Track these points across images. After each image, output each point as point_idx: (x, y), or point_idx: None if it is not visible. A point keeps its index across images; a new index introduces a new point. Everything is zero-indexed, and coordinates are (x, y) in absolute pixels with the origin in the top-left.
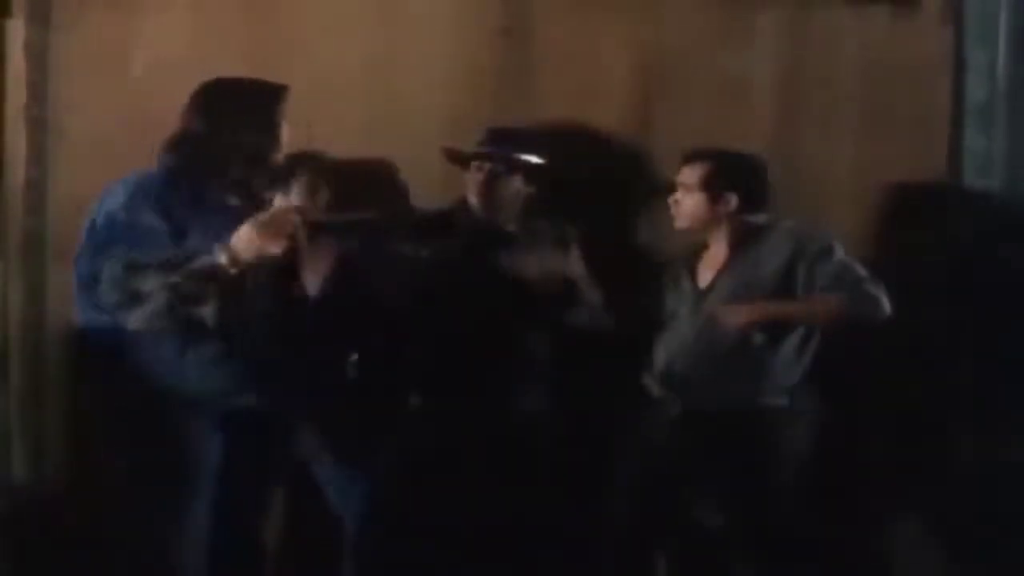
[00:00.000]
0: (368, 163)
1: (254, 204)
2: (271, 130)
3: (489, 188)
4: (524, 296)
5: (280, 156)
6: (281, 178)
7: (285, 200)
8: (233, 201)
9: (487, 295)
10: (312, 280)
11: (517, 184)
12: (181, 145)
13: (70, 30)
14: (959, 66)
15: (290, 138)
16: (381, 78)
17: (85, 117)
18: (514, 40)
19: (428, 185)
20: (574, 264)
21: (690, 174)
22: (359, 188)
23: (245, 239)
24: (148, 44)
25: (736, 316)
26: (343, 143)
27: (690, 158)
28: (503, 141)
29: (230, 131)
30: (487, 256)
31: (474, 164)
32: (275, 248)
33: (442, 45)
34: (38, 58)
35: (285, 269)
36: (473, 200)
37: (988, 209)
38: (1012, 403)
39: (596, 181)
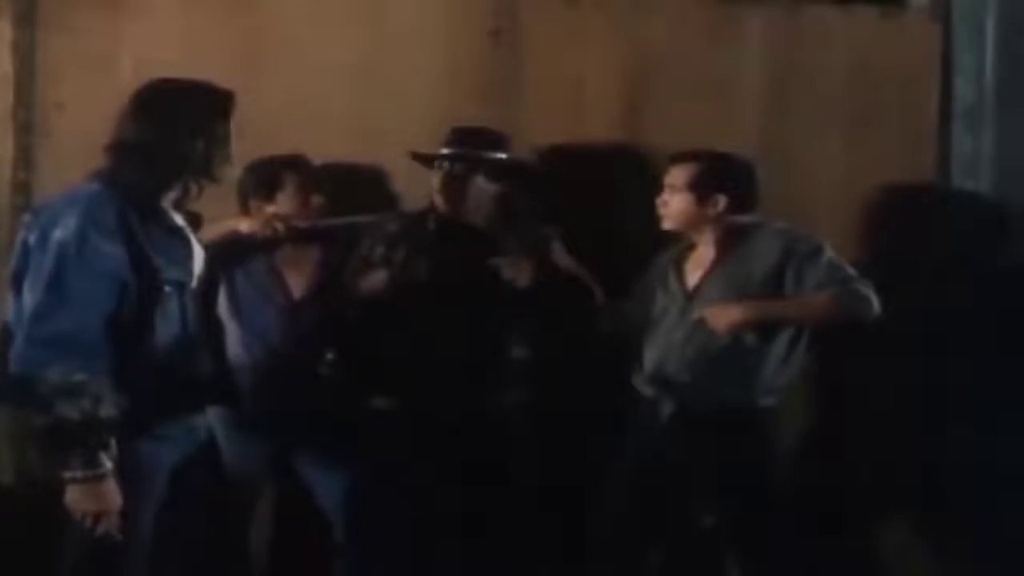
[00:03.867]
0: (356, 168)
1: (193, 224)
2: (219, 139)
3: (450, 187)
4: (498, 295)
5: (229, 172)
6: (267, 184)
7: (272, 206)
8: (179, 221)
9: (457, 296)
10: (296, 283)
11: (481, 182)
12: (123, 156)
13: (57, 31)
14: (947, 68)
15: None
16: (371, 80)
17: (73, 119)
18: (503, 41)
19: (418, 188)
20: (561, 257)
21: (678, 175)
22: (347, 193)
23: None
24: (136, 45)
25: (728, 317)
26: (332, 146)
27: (678, 159)
28: (468, 140)
29: (176, 139)
30: (454, 257)
31: (436, 164)
32: None
33: (432, 47)
34: (25, 59)
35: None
36: (438, 200)
37: (975, 210)
38: (1000, 402)
39: (584, 181)
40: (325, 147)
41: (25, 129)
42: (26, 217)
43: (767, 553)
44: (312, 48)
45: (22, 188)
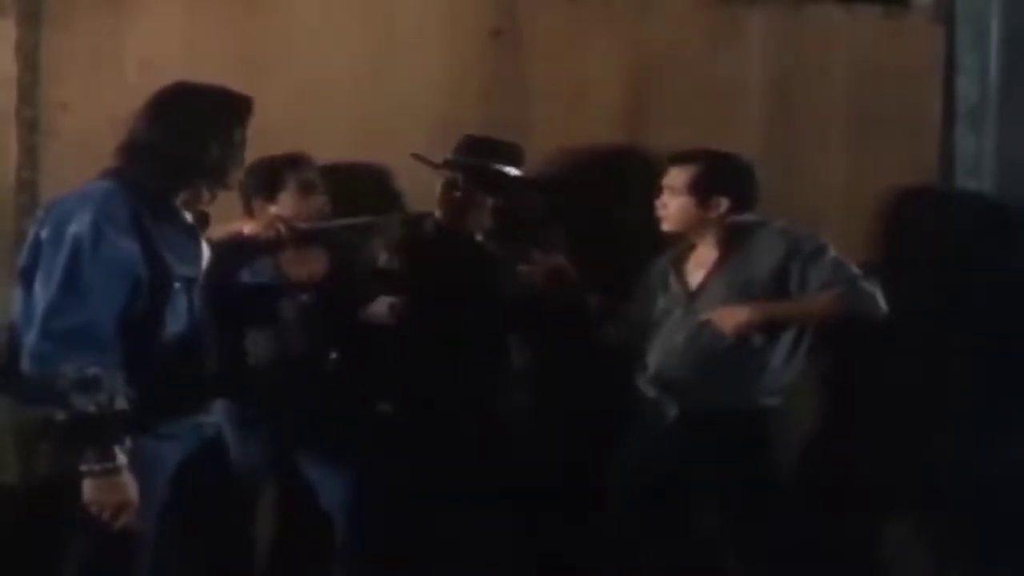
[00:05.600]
0: (358, 168)
1: (201, 223)
2: (235, 145)
3: (448, 196)
4: (491, 304)
5: (239, 174)
6: (269, 184)
7: (275, 206)
8: (190, 219)
9: (457, 300)
10: (303, 284)
11: (481, 194)
12: (137, 156)
13: (61, 30)
14: (950, 68)
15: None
16: (372, 80)
17: (77, 118)
18: (505, 42)
19: (419, 189)
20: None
21: (677, 177)
22: (350, 193)
23: None
24: (140, 44)
25: (735, 318)
26: (334, 146)
27: (676, 160)
28: (475, 149)
29: (193, 143)
30: (449, 265)
31: (438, 172)
32: None
33: (433, 47)
34: (29, 58)
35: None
36: (437, 208)
37: (978, 211)
38: (1004, 403)
39: (585, 181)
40: (328, 147)
41: (30, 128)
42: (38, 213)
43: (769, 553)
44: (315, 47)
45: (27, 187)
